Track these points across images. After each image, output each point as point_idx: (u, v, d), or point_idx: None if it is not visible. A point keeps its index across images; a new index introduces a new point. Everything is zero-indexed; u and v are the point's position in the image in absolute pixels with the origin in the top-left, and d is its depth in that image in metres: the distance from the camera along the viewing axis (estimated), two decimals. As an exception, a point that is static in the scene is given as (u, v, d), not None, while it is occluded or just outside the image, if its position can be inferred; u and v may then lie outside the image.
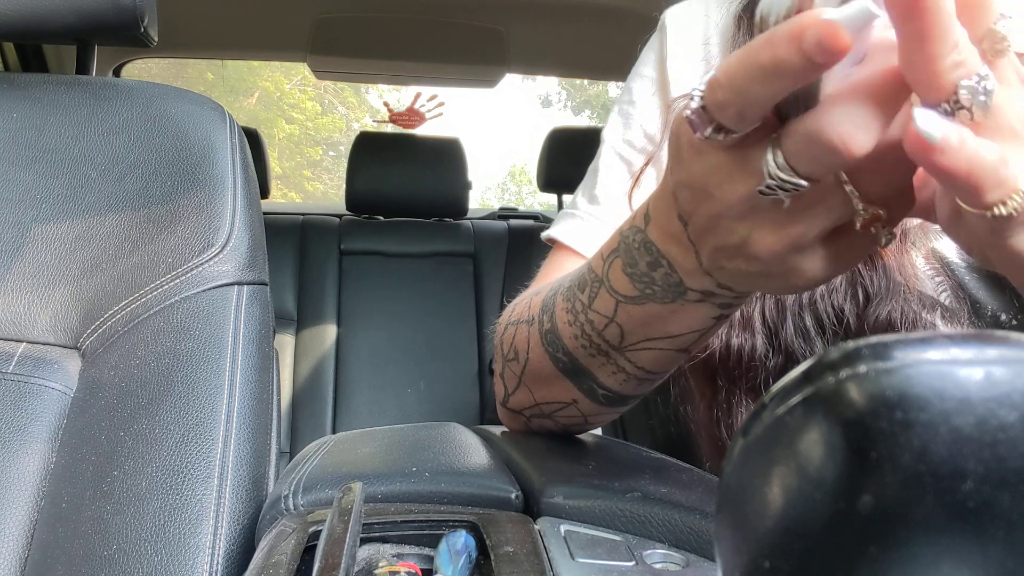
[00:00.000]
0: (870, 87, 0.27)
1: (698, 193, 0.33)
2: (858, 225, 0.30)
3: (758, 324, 0.50)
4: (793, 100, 0.28)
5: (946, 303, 0.46)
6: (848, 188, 0.29)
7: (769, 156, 0.29)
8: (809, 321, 0.49)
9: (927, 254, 0.47)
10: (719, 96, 0.28)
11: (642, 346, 0.41)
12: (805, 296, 0.49)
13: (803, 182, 0.28)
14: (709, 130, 0.29)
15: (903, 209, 0.31)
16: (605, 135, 0.61)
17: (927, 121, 0.25)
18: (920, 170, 0.30)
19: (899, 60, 0.26)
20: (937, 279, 0.47)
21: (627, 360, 0.43)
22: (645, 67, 0.61)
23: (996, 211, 0.26)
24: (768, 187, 0.29)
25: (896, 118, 0.28)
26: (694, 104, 0.29)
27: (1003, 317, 0.46)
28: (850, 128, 0.26)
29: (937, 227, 0.47)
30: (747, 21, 0.54)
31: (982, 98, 0.26)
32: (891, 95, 0.27)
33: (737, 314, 0.51)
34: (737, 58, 0.27)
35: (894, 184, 0.30)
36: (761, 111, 0.28)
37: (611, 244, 0.41)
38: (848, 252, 0.32)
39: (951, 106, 0.26)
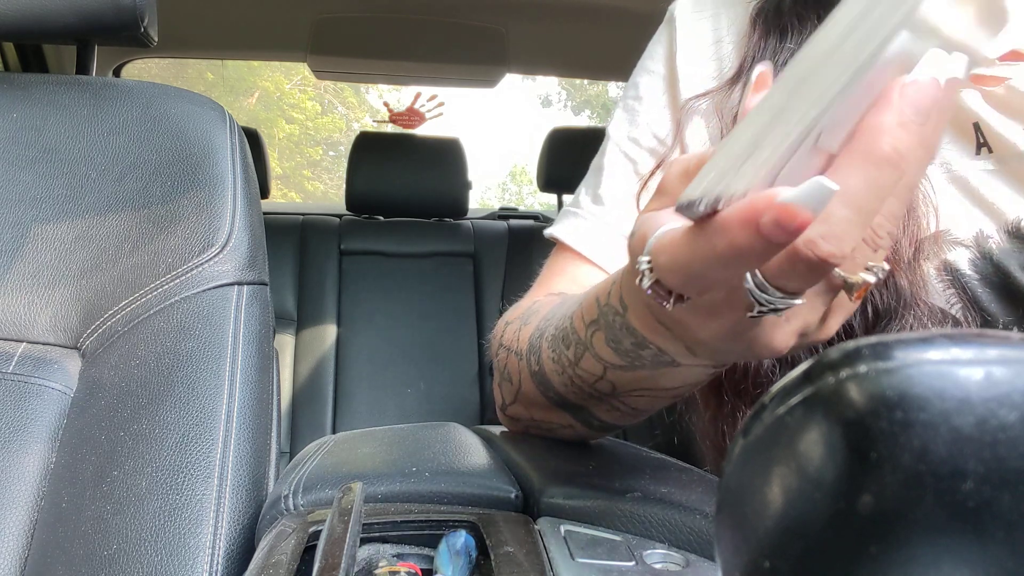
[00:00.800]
0: (841, 196, 0.25)
1: (679, 327, 0.32)
2: (853, 299, 0.29)
3: None
4: None
5: (957, 315, 0.46)
6: (835, 271, 0.28)
7: (751, 285, 0.27)
8: None
9: (939, 266, 0.47)
10: (673, 280, 0.27)
11: (636, 394, 0.41)
12: None
13: (795, 300, 0.27)
14: (672, 300, 0.28)
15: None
16: (610, 131, 0.59)
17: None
18: None
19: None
20: (949, 291, 0.47)
21: (621, 403, 0.42)
22: (653, 62, 0.59)
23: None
24: (759, 312, 0.28)
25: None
26: (646, 283, 0.28)
27: (1015, 330, 0.46)
28: (831, 245, 0.25)
29: (950, 239, 0.47)
30: (762, 24, 0.53)
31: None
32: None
33: None
34: (685, 247, 0.26)
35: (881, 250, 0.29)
36: (727, 285, 0.27)
37: (590, 312, 0.39)
38: (848, 307, 0.32)
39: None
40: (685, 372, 0.38)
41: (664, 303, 0.29)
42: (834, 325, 0.32)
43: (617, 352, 0.38)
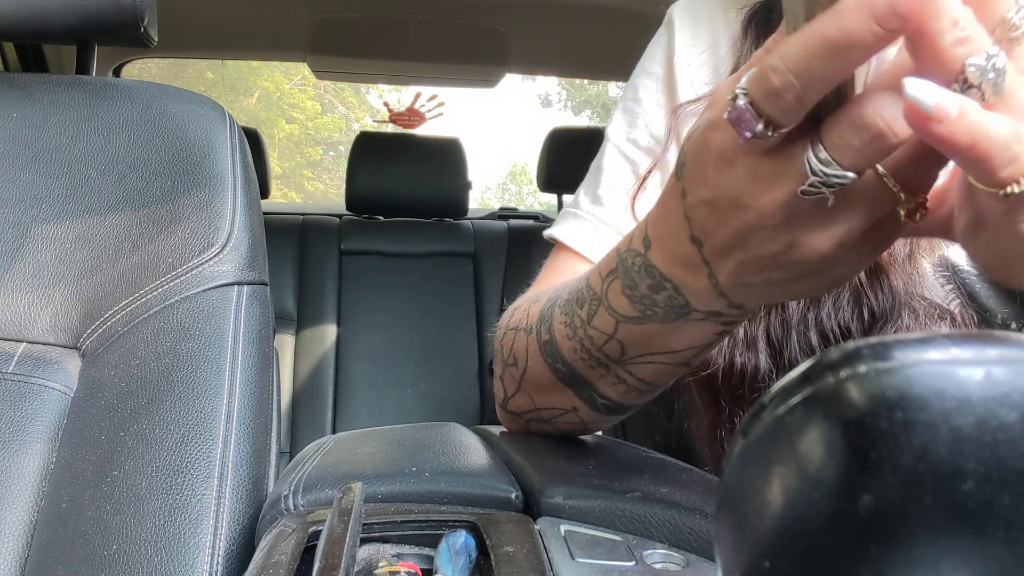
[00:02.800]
0: (908, 71, 0.26)
1: (727, 208, 0.32)
2: (902, 215, 0.30)
3: (762, 343, 0.50)
4: (829, 97, 0.28)
5: (956, 312, 0.46)
6: (889, 182, 0.29)
7: (810, 153, 0.28)
8: (815, 339, 0.48)
9: (936, 262, 0.47)
10: (775, 82, 0.27)
11: (643, 360, 0.41)
12: (811, 315, 0.49)
13: (850, 174, 0.28)
14: (760, 126, 0.29)
15: (931, 187, 0.31)
16: (609, 133, 0.60)
17: (917, 88, 0.25)
18: (941, 184, 0.30)
19: (904, 42, 0.26)
20: (947, 287, 0.47)
21: (627, 372, 0.42)
22: (652, 64, 0.60)
23: (1010, 189, 0.26)
24: (812, 185, 0.29)
25: None
26: (739, 102, 0.29)
27: (1013, 325, 0.46)
28: (894, 112, 0.26)
29: None
30: (754, 30, 0.53)
31: (992, 75, 0.25)
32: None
33: (741, 333, 0.50)
34: (796, 39, 0.27)
35: (932, 173, 0.30)
36: (822, 93, 0.27)
37: (609, 263, 0.40)
38: (887, 236, 0.32)
39: (960, 86, 0.25)
40: (693, 329, 0.38)
41: (748, 131, 0.29)
42: (878, 246, 0.32)
43: (631, 301, 0.38)
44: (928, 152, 0.29)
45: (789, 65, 0.27)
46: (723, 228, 0.32)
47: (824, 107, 0.28)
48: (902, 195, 0.29)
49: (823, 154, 0.28)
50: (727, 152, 0.31)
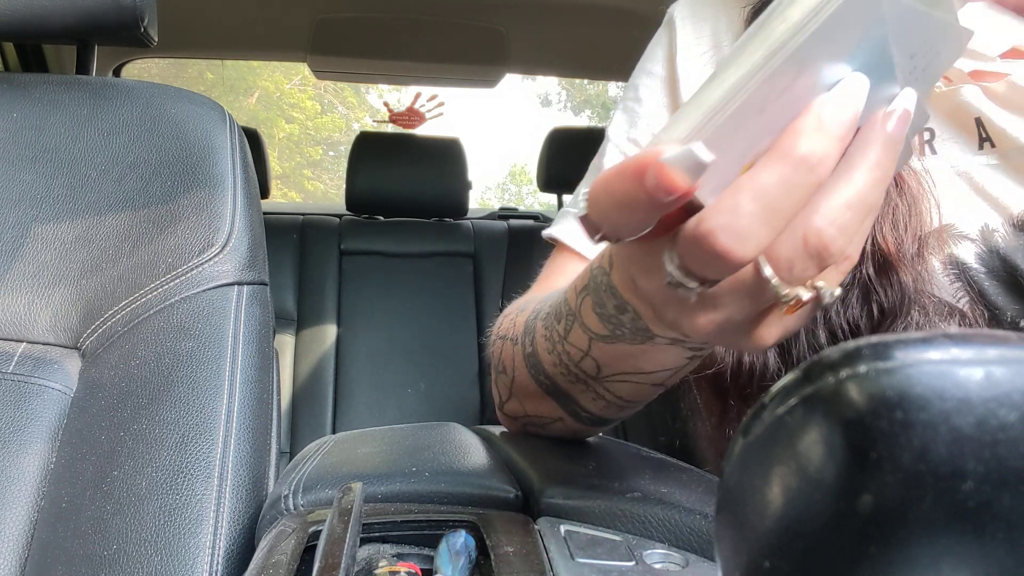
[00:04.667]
0: (751, 190, 0.25)
1: (628, 274, 0.32)
2: (783, 312, 0.28)
3: None
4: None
5: (965, 309, 0.46)
6: (767, 273, 0.27)
7: (666, 256, 0.27)
8: (823, 337, 0.48)
9: (945, 260, 0.47)
10: (592, 215, 0.27)
11: (618, 379, 0.41)
12: (819, 313, 0.49)
13: (694, 285, 0.27)
14: (597, 237, 0.28)
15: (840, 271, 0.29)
16: (610, 132, 0.60)
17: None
18: None
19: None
20: (955, 285, 0.47)
21: (605, 390, 0.42)
22: (653, 64, 0.60)
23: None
24: (670, 282, 0.28)
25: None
26: (580, 214, 0.28)
27: (1022, 324, 0.46)
28: (731, 240, 0.25)
29: (956, 233, 0.47)
30: None
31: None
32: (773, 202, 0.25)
33: None
34: (602, 182, 0.26)
35: (811, 265, 0.27)
36: (633, 233, 0.27)
37: (583, 279, 0.40)
38: (785, 322, 0.30)
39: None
40: (662, 353, 0.38)
41: (590, 239, 0.29)
42: (768, 336, 0.30)
43: (601, 319, 0.38)
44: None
45: (594, 205, 0.27)
46: (635, 288, 0.33)
47: (688, 207, 0.26)
48: (784, 291, 0.27)
49: (677, 260, 0.27)
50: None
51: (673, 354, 0.38)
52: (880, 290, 0.46)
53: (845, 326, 0.48)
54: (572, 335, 0.41)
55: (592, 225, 0.28)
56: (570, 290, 0.42)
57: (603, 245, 0.55)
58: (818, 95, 0.26)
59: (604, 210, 0.27)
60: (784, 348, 0.49)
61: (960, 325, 0.46)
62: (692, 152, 0.23)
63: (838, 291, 0.28)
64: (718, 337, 0.31)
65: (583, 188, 0.60)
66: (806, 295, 0.27)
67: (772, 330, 0.30)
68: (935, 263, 0.47)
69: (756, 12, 0.54)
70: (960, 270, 0.46)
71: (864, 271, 0.46)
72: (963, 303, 0.46)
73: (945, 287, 0.46)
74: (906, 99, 0.27)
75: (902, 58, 0.27)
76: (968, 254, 0.47)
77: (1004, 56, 0.45)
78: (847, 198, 0.26)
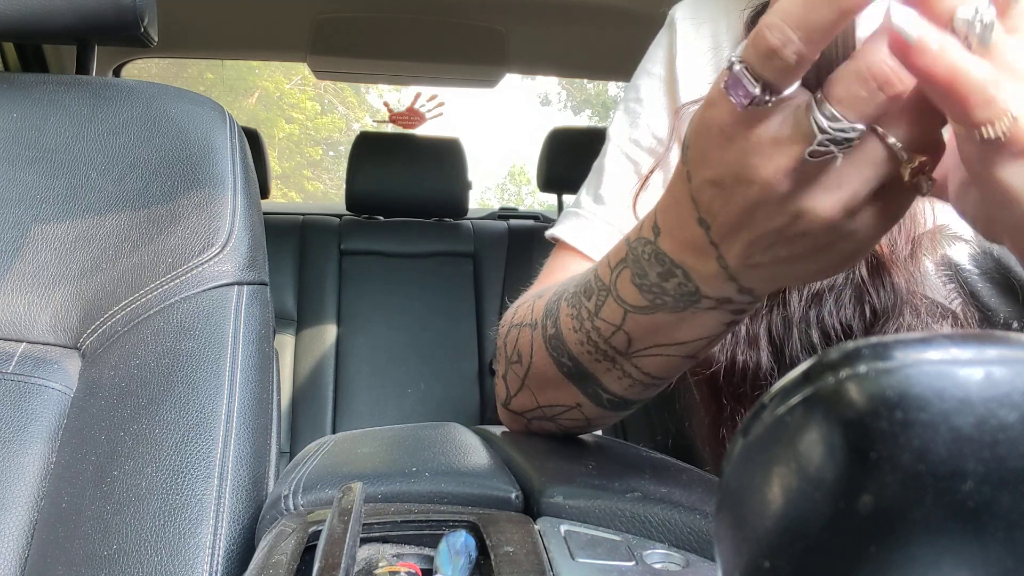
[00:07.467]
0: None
1: (731, 185, 0.32)
2: (906, 176, 0.30)
3: (764, 341, 0.49)
4: (829, 53, 0.28)
5: (957, 311, 0.46)
6: (891, 140, 0.29)
7: (816, 111, 0.28)
8: (816, 337, 0.48)
9: (939, 261, 0.47)
10: (773, 40, 0.28)
11: (649, 352, 0.41)
12: (812, 312, 0.48)
13: (860, 125, 0.28)
14: (757, 90, 0.29)
15: (939, 157, 0.31)
16: (611, 133, 0.60)
17: (902, 18, 0.26)
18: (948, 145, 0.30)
19: None
20: (949, 286, 0.46)
21: (633, 366, 0.42)
22: (653, 64, 0.60)
23: (984, 132, 0.26)
24: (820, 144, 0.29)
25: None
26: (735, 68, 0.29)
27: (1015, 324, 0.46)
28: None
29: (949, 234, 0.47)
30: None
31: (978, 30, 0.26)
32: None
33: (743, 331, 0.50)
34: (775, 11, 0.27)
35: (932, 131, 0.30)
36: (822, 46, 0.28)
37: (618, 253, 0.40)
38: (895, 205, 0.32)
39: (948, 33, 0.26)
40: (702, 319, 0.38)
41: (745, 97, 0.29)
42: (882, 218, 0.32)
43: (641, 290, 0.38)
44: (927, 109, 0.29)
45: (787, 20, 0.27)
46: (729, 206, 0.32)
47: (820, 67, 0.28)
48: (905, 155, 0.29)
49: (829, 110, 0.28)
50: (726, 127, 0.31)
51: (713, 319, 0.38)
52: (873, 291, 0.46)
53: (838, 327, 0.48)
54: (604, 310, 0.41)
55: (750, 77, 0.29)
56: (601, 266, 0.42)
57: (603, 243, 0.55)
58: None
59: (799, 18, 0.27)
60: (777, 348, 0.49)
61: (953, 326, 0.46)
62: None
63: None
64: (832, 232, 0.31)
65: (585, 190, 0.60)
66: (927, 160, 0.29)
67: (887, 211, 0.32)
68: (928, 264, 0.47)
69: (756, 15, 0.54)
70: (953, 271, 0.47)
71: (857, 272, 0.46)
72: (956, 304, 0.46)
73: (938, 288, 0.47)
74: None
75: None
76: (962, 255, 0.47)
77: None
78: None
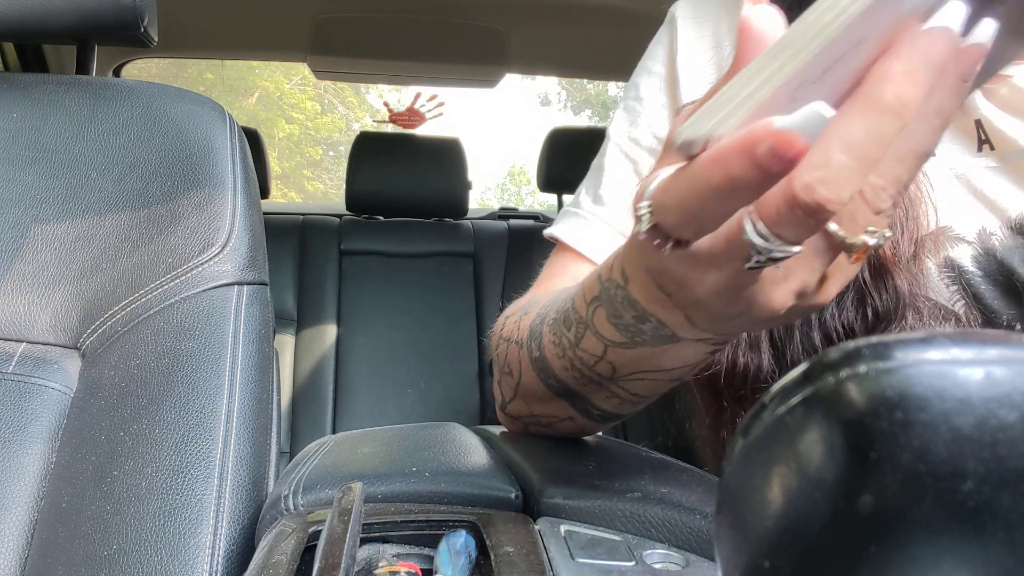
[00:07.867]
0: (840, 142, 0.25)
1: (677, 287, 0.31)
2: (851, 260, 0.29)
3: (765, 343, 0.49)
4: None
5: (960, 313, 0.46)
6: (832, 229, 0.28)
7: (751, 235, 0.27)
8: (818, 339, 0.48)
9: (941, 263, 0.47)
10: (671, 219, 0.27)
11: (635, 378, 0.41)
12: (814, 315, 0.49)
13: (794, 248, 0.27)
14: (669, 246, 0.28)
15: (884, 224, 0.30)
16: (610, 131, 0.59)
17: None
18: None
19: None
20: (951, 288, 0.46)
21: (620, 388, 0.42)
22: (653, 62, 0.59)
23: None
24: (757, 263, 0.28)
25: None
26: (644, 227, 0.28)
27: (1018, 327, 0.45)
28: (826, 189, 0.25)
29: (952, 235, 0.47)
30: None
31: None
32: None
33: (744, 333, 0.50)
34: (684, 181, 0.26)
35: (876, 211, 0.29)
36: (721, 222, 0.27)
37: (592, 290, 0.39)
38: (847, 274, 0.31)
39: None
40: (684, 350, 0.37)
41: (662, 248, 0.29)
42: (833, 289, 0.31)
43: (618, 328, 0.37)
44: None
45: (680, 205, 0.27)
46: (682, 294, 0.32)
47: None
48: (851, 240, 0.28)
49: (763, 229, 0.27)
50: (656, 250, 0.30)
51: (695, 350, 0.38)
52: (875, 294, 0.46)
53: (840, 329, 0.47)
54: (585, 342, 0.40)
55: (662, 234, 0.28)
56: (578, 298, 0.41)
57: (603, 244, 0.55)
58: (898, 19, 0.24)
59: (692, 208, 0.26)
60: (779, 350, 0.49)
61: (955, 328, 0.46)
62: (816, 111, 0.23)
63: (888, 232, 0.29)
64: (788, 311, 0.31)
65: (584, 189, 0.60)
66: (871, 240, 0.28)
67: (837, 282, 0.31)
68: (931, 266, 0.47)
69: None
70: (956, 273, 0.46)
71: (860, 275, 0.46)
72: (958, 306, 0.46)
73: (941, 290, 0.46)
74: (952, 12, 0.25)
75: None
76: (964, 257, 0.47)
77: None
78: (904, 150, 0.27)
